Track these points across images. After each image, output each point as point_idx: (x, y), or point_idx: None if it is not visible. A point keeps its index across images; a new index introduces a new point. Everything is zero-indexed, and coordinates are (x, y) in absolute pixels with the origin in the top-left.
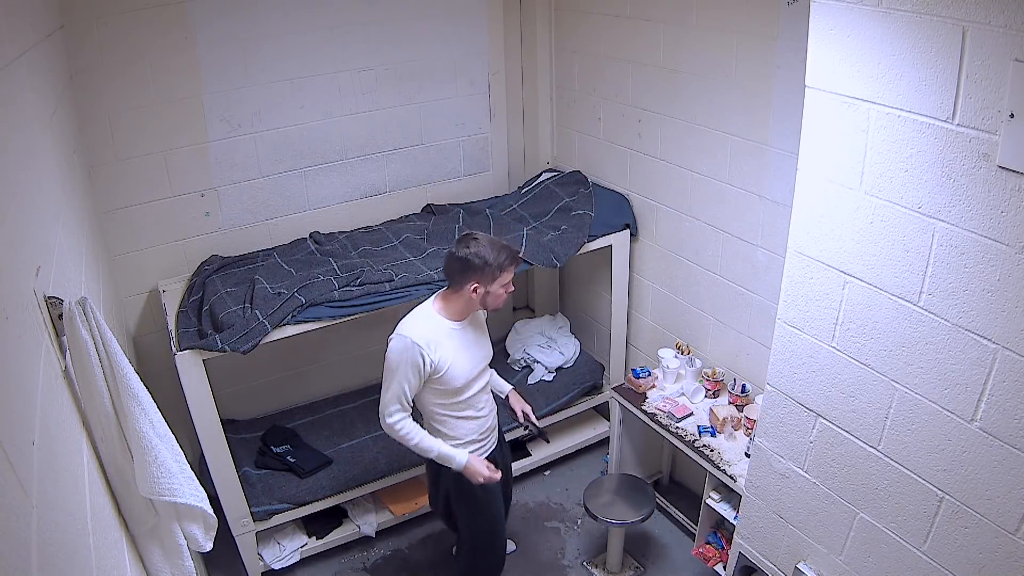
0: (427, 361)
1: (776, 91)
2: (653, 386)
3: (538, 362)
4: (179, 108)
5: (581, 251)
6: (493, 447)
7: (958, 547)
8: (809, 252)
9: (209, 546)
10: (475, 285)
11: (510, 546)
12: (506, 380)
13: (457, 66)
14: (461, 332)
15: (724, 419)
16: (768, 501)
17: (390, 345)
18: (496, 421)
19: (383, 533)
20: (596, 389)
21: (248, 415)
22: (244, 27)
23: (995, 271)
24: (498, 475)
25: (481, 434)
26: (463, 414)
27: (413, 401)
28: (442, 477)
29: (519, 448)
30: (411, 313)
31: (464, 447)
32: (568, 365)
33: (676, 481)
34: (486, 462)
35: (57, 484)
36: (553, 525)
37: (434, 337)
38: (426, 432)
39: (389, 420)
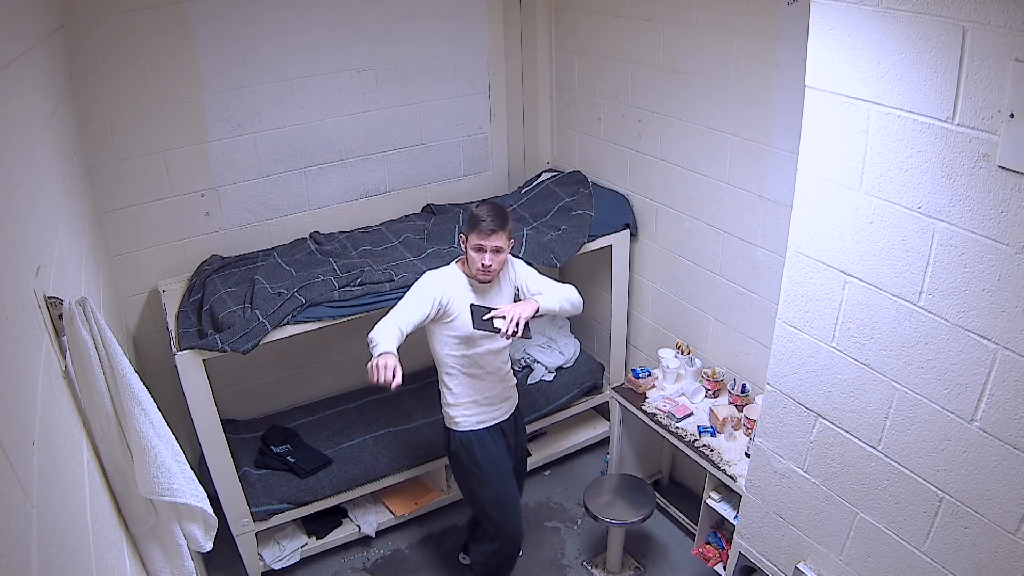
0: (435, 300)
1: (776, 91)
2: (653, 386)
3: (538, 362)
4: (179, 108)
5: (581, 251)
6: (503, 419)
7: (958, 547)
8: (809, 252)
9: (209, 546)
10: (462, 236)
11: (518, 551)
12: None
13: (457, 66)
14: (479, 289)
15: (724, 419)
16: (768, 501)
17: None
18: (511, 395)
19: (383, 533)
20: (596, 389)
21: (248, 415)
22: (244, 27)
23: (995, 271)
24: (388, 376)
25: (485, 398)
26: (469, 371)
27: (434, 351)
28: (451, 445)
29: None
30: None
31: (465, 407)
32: (568, 365)
33: (676, 481)
34: (385, 360)
35: (57, 484)
36: (553, 525)
37: (451, 284)
38: (385, 331)
39: (371, 331)
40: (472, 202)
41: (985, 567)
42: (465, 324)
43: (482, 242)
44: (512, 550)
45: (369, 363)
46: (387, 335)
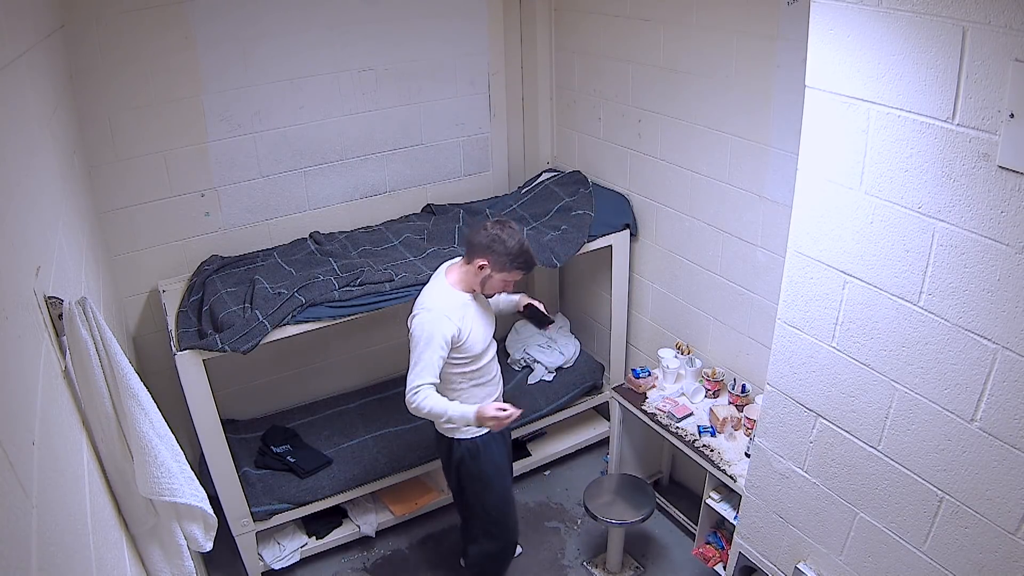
0: (454, 330)
1: (776, 91)
2: (653, 386)
3: (538, 362)
4: (179, 108)
5: (581, 251)
6: None
7: (958, 547)
8: (809, 252)
9: (209, 546)
10: (483, 263)
11: (516, 549)
12: (506, 381)
13: (457, 66)
14: (474, 302)
15: (724, 419)
16: (768, 501)
17: (417, 319)
18: (501, 390)
19: (383, 533)
20: (596, 389)
21: (248, 415)
22: (244, 27)
23: (995, 271)
24: (511, 412)
25: (493, 401)
26: (478, 381)
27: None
28: (453, 454)
29: (519, 448)
30: (428, 288)
31: None
32: (568, 365)
33: (676, 481)
34: (493, 405)
35: (57, 484)
36: (553, 525)
37: (456, 307)
38: (440, 397)
39: (415, 397)
40: (472, 202)
41: (985, 567)
42: (476, 343)
43: (517, 278)
44: (513, 547)
45: (489, 423)
46: (438, 398)
